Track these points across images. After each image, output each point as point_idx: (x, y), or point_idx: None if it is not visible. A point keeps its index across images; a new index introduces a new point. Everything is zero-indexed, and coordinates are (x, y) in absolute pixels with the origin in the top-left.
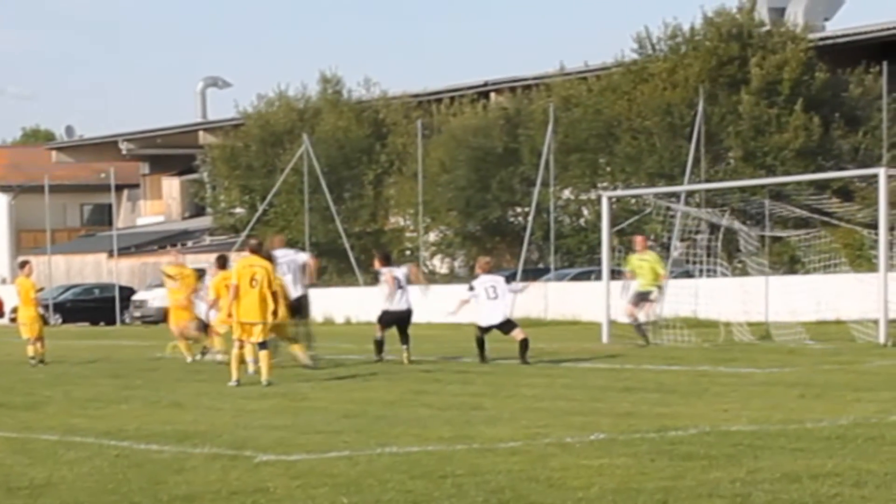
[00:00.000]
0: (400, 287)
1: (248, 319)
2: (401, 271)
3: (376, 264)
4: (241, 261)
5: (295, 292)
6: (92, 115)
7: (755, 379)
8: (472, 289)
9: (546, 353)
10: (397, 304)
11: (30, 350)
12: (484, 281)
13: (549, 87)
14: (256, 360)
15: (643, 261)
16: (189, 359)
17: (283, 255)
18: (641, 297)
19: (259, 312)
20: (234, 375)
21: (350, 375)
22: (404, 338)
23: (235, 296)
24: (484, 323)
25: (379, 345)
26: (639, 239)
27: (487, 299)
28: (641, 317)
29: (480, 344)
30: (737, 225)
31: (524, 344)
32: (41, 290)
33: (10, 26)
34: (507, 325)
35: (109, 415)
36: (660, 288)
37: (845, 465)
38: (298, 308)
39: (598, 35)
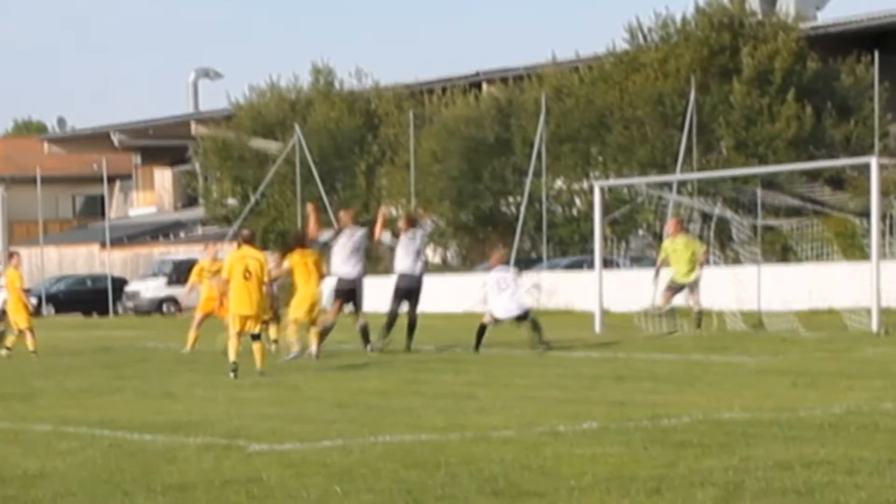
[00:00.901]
0: (417, 251)
1: (243, 312)
2: (419, 233)
3: (402, 225)
4: (233, 252)
5: (351, 274)
6: (84, 106)
7: (748, 367)
8: (485, 285)
9: (539, 343)
10: (410, 269)
11: (12, 338)
12: (495, 275)
13: (541, 77)
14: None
15: (675, 245)
16: (187, 349)
17: (351, 234)
18: (674, 289)
19: (254, 304)
20: (232, 357)
21: (343, 365)
22: (410, 323)
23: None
24: (500, 315)
25: (389, 324)
26: (671, 223)
27: (500, 291)
28: (692, 303)
29: (481, 332)
30: (729, 214)
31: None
32: (28, 291)
33: (4, 20)
34: (523, 318)
35: (102, 405)
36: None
37: (838, 453)
38: (352, 294)
39: (589, 25)
